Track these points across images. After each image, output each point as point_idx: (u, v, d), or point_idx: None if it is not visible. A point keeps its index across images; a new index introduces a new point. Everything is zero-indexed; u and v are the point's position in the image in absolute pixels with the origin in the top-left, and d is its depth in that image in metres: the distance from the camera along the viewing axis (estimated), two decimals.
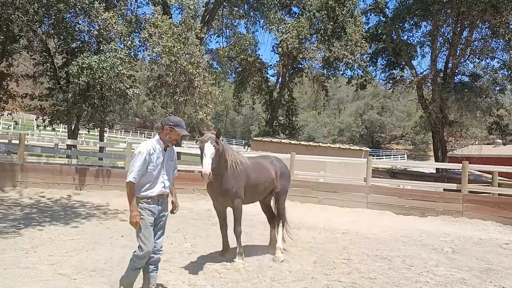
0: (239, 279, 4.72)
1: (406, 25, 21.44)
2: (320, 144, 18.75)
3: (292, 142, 17.85)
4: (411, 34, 22.31)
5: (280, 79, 23.95)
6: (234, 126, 68.47)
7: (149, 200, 3.87)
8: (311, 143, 18.86)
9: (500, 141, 27.82)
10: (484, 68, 22.00)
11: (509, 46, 19.15)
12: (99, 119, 16.08)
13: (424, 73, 21.49)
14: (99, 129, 18.05)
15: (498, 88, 21.19)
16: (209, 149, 4.68)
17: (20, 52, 15.77)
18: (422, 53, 22.35)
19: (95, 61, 11.69)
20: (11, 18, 11.62)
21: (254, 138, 18.79)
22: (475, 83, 20.16)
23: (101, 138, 18.00)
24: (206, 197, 11.40)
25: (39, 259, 4.99)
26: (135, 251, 3.85)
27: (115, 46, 12.55)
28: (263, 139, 17.68)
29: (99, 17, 12.39)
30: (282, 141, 17.85)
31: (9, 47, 14.40)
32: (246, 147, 31.14)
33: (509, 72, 20.42)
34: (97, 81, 12.41)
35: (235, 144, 53.05)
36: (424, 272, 5.51)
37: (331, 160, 13.88)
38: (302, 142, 18.40)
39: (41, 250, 5.41)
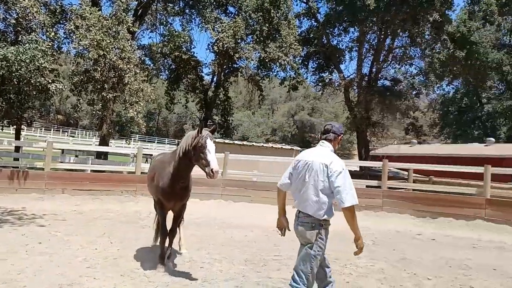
0: (169, 282, 4.61)
1: (336, 30, 22.63)
2: (254, 143, 19.05)
3: (226, 141, 17.89)
4: (340, 39, 23.70)
5: (215, 78, 23.83)
6: (167, 125, 66.80)
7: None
8: (245, 142, 19.07)
9: (416, 141, 30.60)
10: (404, 73, 24.07)
11: (425, 54, 21.17)
12: (15, 116, 14.72)
13: (351, 76, 22.91)
14: (15, 126, 16.49)
15: (415, 92, 23.36)
16: (213, 145, 4.51)
17: None
18: (350, 57, 23.79)
19: (12, 53, 10.69)
20: None
21: None
22: (396, 87, 21.97)
23: (17, 137, 16.44)
24: (135, 198, 11.03)
25: None
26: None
27: (36, 37, 11.59)
28: None
29: (18, 5, 11.31)
30: (217, 140, 17.78)
31: None
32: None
33: (425, 78, 22.59)
34: (14, 74, 11.32)
35: (167, 144, 51.77)
36: (348, 264, 5.85)
37: (264, 160, 14.15)
38: (236, 142, 18.53)
39: None
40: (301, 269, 3.23)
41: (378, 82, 22.66)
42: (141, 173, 11.83)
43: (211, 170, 4.37)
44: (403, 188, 12.35)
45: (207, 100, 23.38)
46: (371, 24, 20.75)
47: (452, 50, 20.31)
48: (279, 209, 3.58)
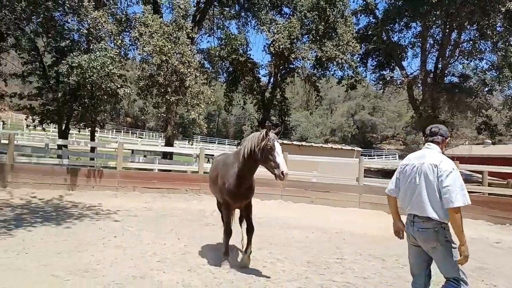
0: (233, 279, 4.71)
1: (396, 26, 21.64)
2: (313, 144, 18.85)
3: (285, 142, 17.88)
4: (402, 35, 22.58)
5: (272, 79, 23.95)
6: (226, 126, 68.39)
7: None
8: (303, 143, 18.94)
9: (490, 141, 28.22)
10: (473, 69, 22.30)
11: (497, 47, 19.46)
12: (89, 119, 15.94)
13: (414, 73, 21.73)
14: (90, 129, 17.90)
15: (487, 88, 21.55)
16: (280, 148, 4.62)
17: (8, 51, 15.54)
18: (413, 53, 22.61)
19: (85, 60, 11.57)
20: None
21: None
22: (465, 84, 20.44)
23: (92, 138, 17.84)
24: (199, 197, 11.43)
25: (31, 261, 4.92)
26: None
27: (105, 45, 12.45)
28: None
29: (89, 16, 12.26)
30: None
31: None
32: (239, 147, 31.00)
33: (497, 73, 20.73)
34: (87, 80, 12.27)
35: (227, 144, 52.99)
36: None
37: (323, 160, 13.93)
38: (294, 142, 18.47)
39: (32, 251, 5.33)
40: (455, 276, 3.27)
41: (445, 78, 21.30)
42: (204, 172, 12.24)
43: (282, 172, 4.41)
44: (477, 192, 11.46)
45: (265, 101, 23.56)
46: (434, 18, 19.55)
47: None
48: (393, 214, 3.62)
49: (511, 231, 9.06)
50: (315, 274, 5.11)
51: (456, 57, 21.23)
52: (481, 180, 12.41)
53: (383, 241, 7.46)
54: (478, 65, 22.09)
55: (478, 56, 20.93)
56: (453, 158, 15.01)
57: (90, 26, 12.65)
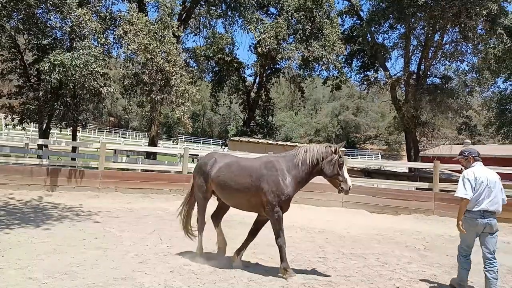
0: (216, 280, 4.69)
1: (381, 27, 21.89)
2: (297, 144, 18.90)
3: (270, 142, 17.91)
4: (387, 36, 22.84)
5: (257, 79, 23.97)
6: (211, 126, 68.13)
7: None
8: (288, 143, 18.99)
9: (469, 141, 28.82)
10: (455, 70, 22.75)
11: (477, 50, 19.89)
12: (71, 118, 15.64)
13: (398, 74, 22.02)
14: (71, 128, 17.56)
15: (467, 90, 22.00)
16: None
17: None
18: (397, 55, 22.92)
19: (68, 58, 11.36)
20: None
21: (232, 138, 18.74)
22: (447, 85, 20.81)
23: (74, 138, 17.50)
24: (182, 197, 11.31)
25: (7, 263, 4.80)
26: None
27: (88, 43, 12.24)
28: (241, 139, 17.67)
29: (72, 13, 12.04)
30: (260, 141, 17.89)
31: None
32: (223, 147, 30.97)
33: (477, 75, 21.21)
34: (69, 78, 12.05)
35: (212, 144, 52.80)
36: (397, 269, 5.65)
37: None
38: (279, 142, 18.50)
39: (9, 253, 5.21)
40: (493, 250, 4.64)
41: (427, 79, 21.61)
42: (188, 172, 12.16)
43: (349, 187, 5.18)
44: None
45: (250, 101, 23.56)
46: (418, 20, 19.86)
47: (508, 45, 18.94)
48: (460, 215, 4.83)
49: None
50: (298, 273, 5.14)
51: (438, 59, 21.58)
52: None
53: (365, 240, 7.56)
54: (459, 66, 22.54)
55: (460, 58, 21.33)
56: (433, 157, 15.31)
57: (74, 23, 12.43)
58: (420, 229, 8.95)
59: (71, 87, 14.02)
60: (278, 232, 5.05)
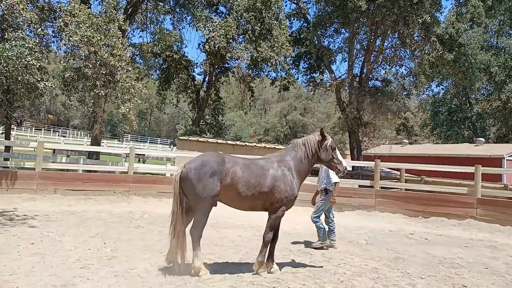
0: (163, 282, 4.58)
1: (327, 31, 22.70)
2: (247, 143, 19.04)
3: (219, 141, 17.83)
4: (332, 40, 23.73)
5: (207, 78, 23.74)
6: (159, 125, 66.44)
7: None
8: (237, 142, 19.04)
9: (407, 141, 30.87)
10: (394, 74, 24.22)
11: (414, 55, 21.32)
12: (4, 115, 14.45)
13: (342, 77, 22.96)
14: (4, 126, 16.21)
15: (405, 93, 23.54)
16: None
17: None
18: (342, 58, 23.92)
19: None
20: None
21: (180, 137, 18.39)
22: (387, 88, 22.08)
23: (7, 137, 16.17)
24: (128, 198, 10.95)
25: None
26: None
27: (22, 34, 11.39)
28: (190, 139, 17.41)
29: (4, 1, 11.12)
30: (209, 140, 17.74)
31: None
32: (172, 146, 30.31)
33: (414, 79, 22.76)
34: (1, 72, 11.12)
35: (160, 144, 51.46)
36: (341, 263, 5.88)
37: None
38: (228, 142, 18.48)
39: None
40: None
41: (369, 82, 22.75)
42: (134, 173, 11.74)
43: (345, 168, 5.37)
44: (395, 188, 12.45)
45: (199, 100, 23.27)
46: (361, 25, 20.86)
47: (441, 52, 20.53)
48: None
49: (423, 223, 10.00)
50: (246, 271, 5.16)
51: (379, 63, 22.81)
52: (399, 176, 13.47)
53: (309, 237, 7.80)
54: (398, 71, 24.04)
55: (399, 62, 22.75)
56: (374, 157, 16.10)
57: (5, 12, 11.50)
58: (363, 225, 9.40)
59: (3, 81, 12.93)
60: (273, 227, 5.21)
